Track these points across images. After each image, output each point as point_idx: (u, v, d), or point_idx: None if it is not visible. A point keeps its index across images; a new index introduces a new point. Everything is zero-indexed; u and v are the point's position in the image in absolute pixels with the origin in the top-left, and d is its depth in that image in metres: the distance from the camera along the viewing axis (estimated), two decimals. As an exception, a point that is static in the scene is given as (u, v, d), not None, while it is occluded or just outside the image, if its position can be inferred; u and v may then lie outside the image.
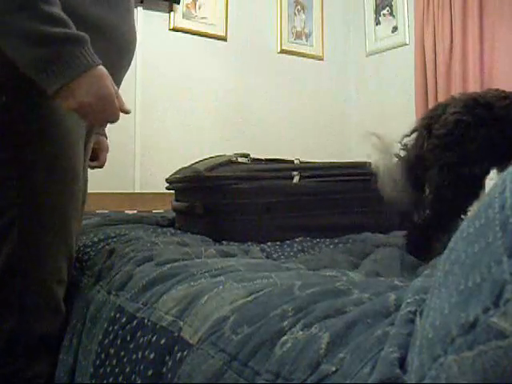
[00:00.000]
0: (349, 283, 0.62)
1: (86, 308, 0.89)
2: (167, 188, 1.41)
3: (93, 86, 0.77)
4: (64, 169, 0.85)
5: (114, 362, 0.70)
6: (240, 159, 1.26)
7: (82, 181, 0.96)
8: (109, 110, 0.80)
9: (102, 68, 0.79)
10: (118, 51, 0.94)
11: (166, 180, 1.41)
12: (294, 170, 1.27)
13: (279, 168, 1.27)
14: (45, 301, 0.87)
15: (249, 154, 1.33)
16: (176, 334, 0.62)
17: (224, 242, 1.13)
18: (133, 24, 1.01)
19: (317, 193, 1.25)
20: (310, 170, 1.28)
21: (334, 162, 1.40)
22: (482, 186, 0.91)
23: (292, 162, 1.35)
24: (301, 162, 1.35)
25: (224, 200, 1.17)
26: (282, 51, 2.99)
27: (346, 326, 0.46)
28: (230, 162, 1.24)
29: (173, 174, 1.40)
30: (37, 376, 0.87)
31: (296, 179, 1.24)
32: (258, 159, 1.33)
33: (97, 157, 1.15)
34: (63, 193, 0.86)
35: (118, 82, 0.95)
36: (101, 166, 1.17)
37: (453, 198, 0.88)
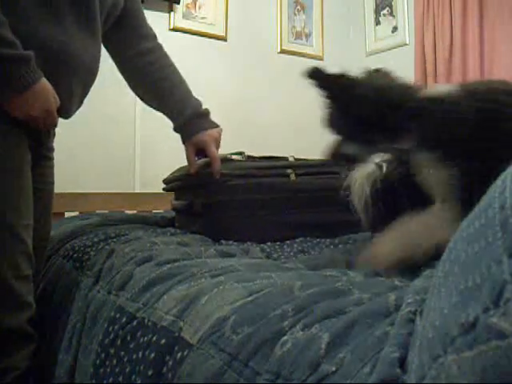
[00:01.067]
0: (349, 283, 0.62)
1: (86, 308, 0.89)
2: (164, 189, 1.41)
3: (37, 101, 0.89)
4: (9, 169, 0.90)
5: (115, 361, 0.70)
6: (234, 157, 1.27)
7: (46, 181, 1.08)
8: (49, 120, 0.94)
9: (44, 82, 0.89)
10: (69, 74, 0.98)
11: (163, 181, 1.41)
12: (288, 167, 1.27)
13: (274, 166, 1.27)
14: (5, 296, 0.90)
15: (243, 152, 1.33)
16: (176, 334, 0.62)
17: (223, 242, 1.13)
18: (93, 50, 1.05)
19: (313, 189, 1.25)
20: (304, 168, 1.28)
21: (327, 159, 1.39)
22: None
23: (286, 159, 1.35)
24: (295, 159, 1.35)
25: (221, 197, 1.17)
26: (282, 51, 2.99)
27: (346, 326, 0.46)
28: (225, 160, 1.24)
29: (170, 175, 1.40)
30: (10, 368, 0.91)
31: (292, 176, 1.24)
32: (252, 157, 1.33)
33: (204, 154, 1.20)
34: (11, 191, 0.90)
35: (68, 108, 1.02)
36: (215, 161, 1.18)
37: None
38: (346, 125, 0.90)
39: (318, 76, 0.92)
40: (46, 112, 0.92)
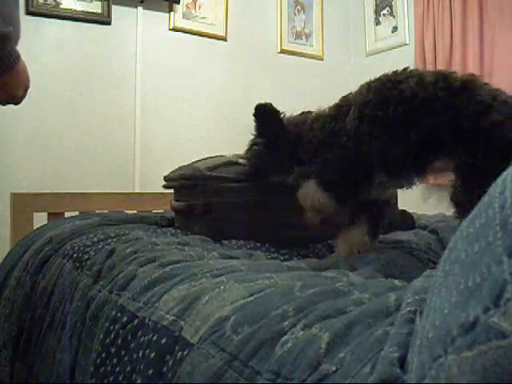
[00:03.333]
0: (349, 284, 0.62)
1: (86, 307, 0.89)
2: (164, 186, 1.39)
3: (20, 80, 0.84)
4: None
5: (115, 361, 0.70)
6: (240, 160, 1.26)
7: None
8: (24, 97, 0.90)
9: (23, 59, 0.84)
10: (16, 43, 0.90)
11: (164, 178, 1.39)
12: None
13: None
14: None
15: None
16: (177, 334, 0.62)
17: (225, 242, 1.12)
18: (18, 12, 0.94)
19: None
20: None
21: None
22: None
23: None
24: None
25: (223, 198, 1.17)
26: (282, 51, 2.99)
27: (346, 326, 0.46)
28: (230, 163, 1.24)
29: (171, 172, 1.39)
30: None
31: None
32: None
33: None
34: None
35: None
36: None
37: None
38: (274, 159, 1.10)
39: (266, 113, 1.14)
40: (25, 90, 0.88)
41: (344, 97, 1.02)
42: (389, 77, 0.92)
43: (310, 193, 0.99)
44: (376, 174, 0.93)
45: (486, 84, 0.87)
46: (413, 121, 0.85)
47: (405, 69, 0.93)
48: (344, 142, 0.92)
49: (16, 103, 0.92)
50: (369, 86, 0.93)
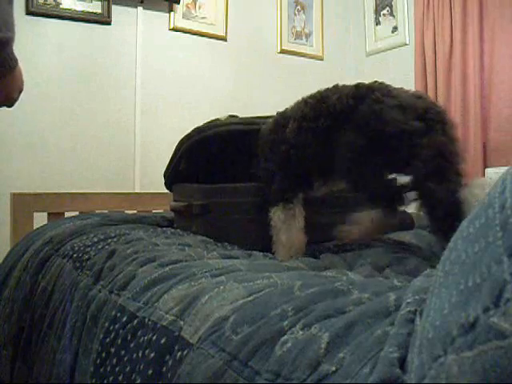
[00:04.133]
0: (348, 283, 0.62)
1: (86, 307, 0.89)
2: (165, 184, 1.42)
3: (16, 83, 0.88)
4: None
5: (115, 361, 0.70)
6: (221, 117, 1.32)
7: None
8: (18, 99, 0.92)
9: (18, 64, 0.86)
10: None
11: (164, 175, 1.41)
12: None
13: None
14: None
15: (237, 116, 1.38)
16: (176, 334, 0.62)
17: (228, 246, 1.12)
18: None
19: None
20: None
21: None
22: None
23: None
24: None
25: (220, 199, 1.17)
26: (282, 51, 2.99)
27: (346, 326, 0.46)
28: (213, 120, 1.29)
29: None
30: None
31: None
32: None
33: None
34: None
35: None
36: None
37: None
38: None
39: None
40: (20, 93, 0.91)
41: (281, 113, 1.14)
42: (321, 93, 1.03)
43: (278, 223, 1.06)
44: (314, 177, 1.06)
45: (387, 86, 0.96)
46: (337, 130, 0.96)
47: (335, 86, 1.03)
48: (285, 149, 1.04)
49: (10, 105, 0.95)
50: (306, 102, 1.05)
